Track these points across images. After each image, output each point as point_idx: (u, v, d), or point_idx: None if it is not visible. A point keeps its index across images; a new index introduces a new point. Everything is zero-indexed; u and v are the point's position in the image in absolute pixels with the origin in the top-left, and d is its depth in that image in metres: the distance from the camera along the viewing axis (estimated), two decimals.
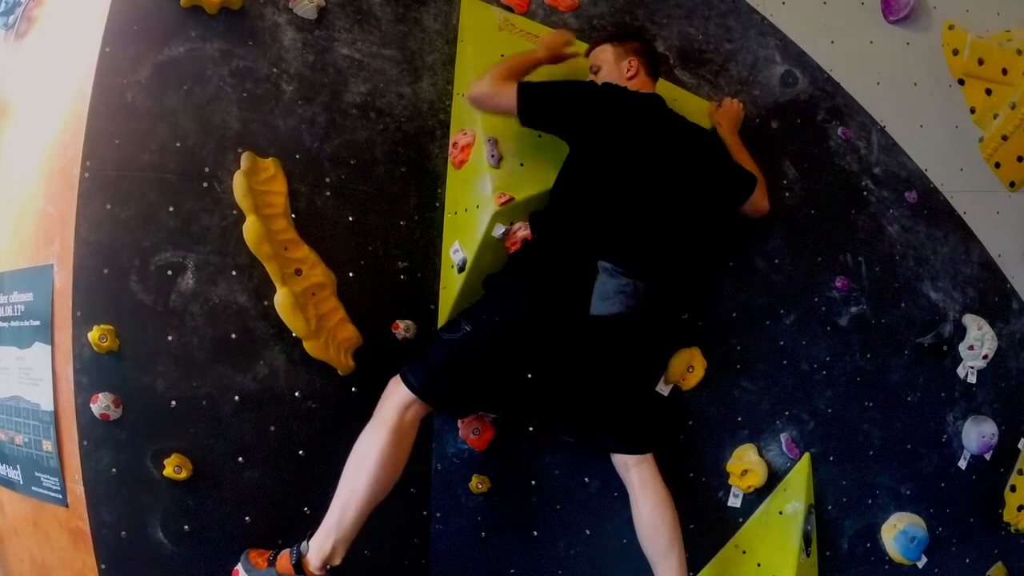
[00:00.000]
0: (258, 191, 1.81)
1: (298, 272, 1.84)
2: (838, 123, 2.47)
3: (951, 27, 2.70)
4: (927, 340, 2.54)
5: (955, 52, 2.70)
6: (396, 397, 1.79)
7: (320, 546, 1.71)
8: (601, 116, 1.91)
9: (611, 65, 2.05)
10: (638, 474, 1.99)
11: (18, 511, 2.04)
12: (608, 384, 2.00)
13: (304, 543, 1.73)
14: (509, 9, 2.15)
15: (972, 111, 2.72)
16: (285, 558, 1.72)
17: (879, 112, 2.55)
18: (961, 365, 2.57)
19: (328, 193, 1.95)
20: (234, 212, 1.83)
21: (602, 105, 1.93)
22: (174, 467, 1.77)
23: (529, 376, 2.01)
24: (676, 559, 1.94)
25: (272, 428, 1.89)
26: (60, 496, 1.83)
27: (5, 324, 1.98)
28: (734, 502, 2.27)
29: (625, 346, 1.96)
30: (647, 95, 2.01)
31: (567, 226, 1.90)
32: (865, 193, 2.48)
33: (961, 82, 2.71)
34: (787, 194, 2.34)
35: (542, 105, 1.91)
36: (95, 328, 1.73)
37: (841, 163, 2.45)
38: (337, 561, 1.72)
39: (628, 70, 2.03)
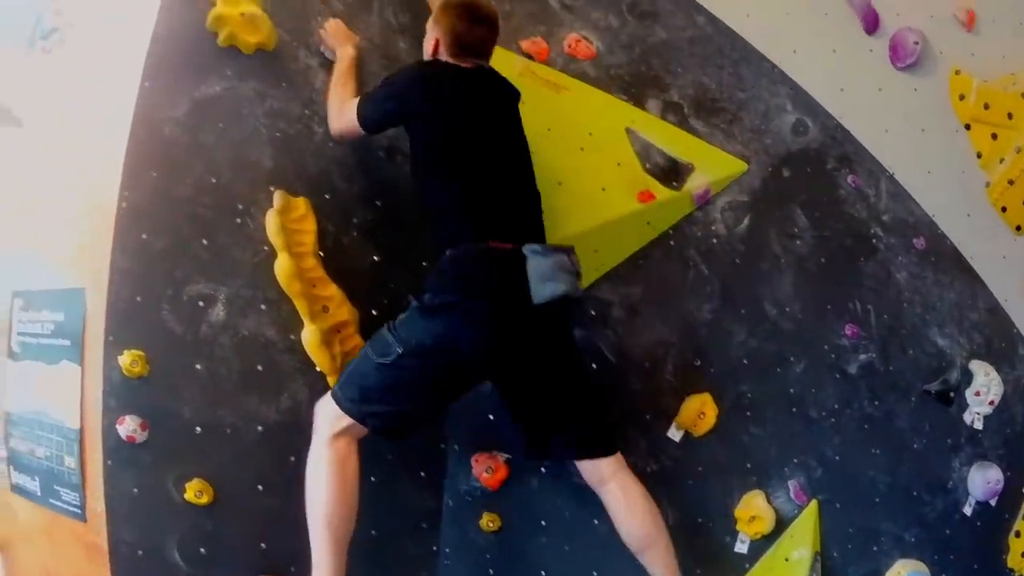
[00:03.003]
0: (289, 229, 2.01)
1: (325, 309, 2.04)
2: (847, 171, 2.70)
3: (957, 72, 2.91)
4: (934, 387, 2.75)
5: (961, 97, 2.91)
6: (332, 423, 1.87)
7: None
8: (432, 114, 1.98)
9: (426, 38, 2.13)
10: (619, 483, 2.04)
11: (32, 520, 2.21)
12: (562, 379, 2.03)
13: None
14: (529, 57, 2.37)
15: (979, 156, 2.93)
16: None
17: (887, 159, 2.77)
18: (967, 411, 2.78)
19: (355, 233, 2.15)
20: (265, 248, 2.02)
21: (428, 102, 1.98)
22: (195, 492, 1.92)
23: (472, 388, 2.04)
24: (667, 549, 2.05)
25: (292, 458, 2.03)
26: (79, 511, 1.98)
27: (33, 340, 2.17)
28: (741, 548, 2.44)
29: (570, 330, 2.04)
30: (464, 69, 2.04)
31: (464, 231, 1.93)
32: (874, 240, 2.70)
33: (967, 127, 2.91)
34: (798, 242, 2.57)
35: (372, 112, 2.01)
36: (126, 353, 1.89)
37: (850, 211, 2.68)
38: None
39: (430, 45, 2.09)
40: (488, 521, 2.24)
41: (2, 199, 2.41)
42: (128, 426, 1.89)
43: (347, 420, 1.87)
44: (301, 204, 2.06)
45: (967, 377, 2.79)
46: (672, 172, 2.43)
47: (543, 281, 1.86)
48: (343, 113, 2.07)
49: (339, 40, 2.17)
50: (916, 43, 2.84)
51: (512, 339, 1.92)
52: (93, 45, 2.25)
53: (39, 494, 2.14)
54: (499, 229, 1.93)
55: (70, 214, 2.12)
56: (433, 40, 2.08)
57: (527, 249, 1.88)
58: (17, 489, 2.26)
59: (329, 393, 1.93)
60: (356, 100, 2.04)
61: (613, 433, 2.12)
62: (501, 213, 1.96)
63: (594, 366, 2.29)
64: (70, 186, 2.15)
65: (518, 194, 2.04)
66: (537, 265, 1.86)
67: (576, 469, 2.11)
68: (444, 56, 2.07)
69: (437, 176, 2.00)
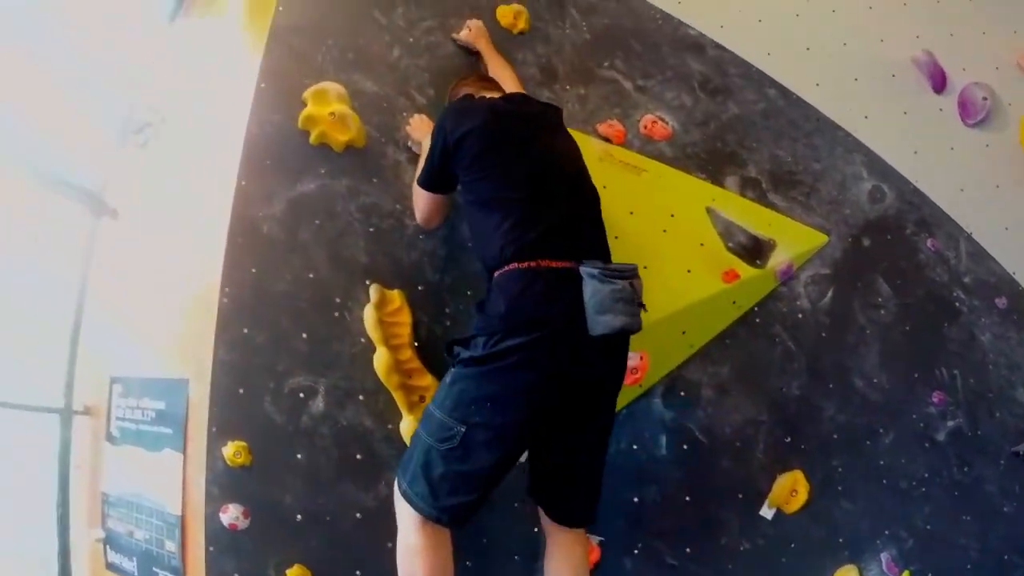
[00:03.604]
0: (386, 323, 2.10)
1: (421, 399, 2.10)
2: (926, 234, 2.73)
3: None
4: (1022, 448, 2.73)
5: None
6: (411, 517, 1.77)
7: None
8: (472, 133, 1.92)
9: None
10: (575, 541, 1.92)
11: None
12: (595, 433, 1.89)
13: None
14: (607, 140, 2.45)
15: None
16: None
17: (965, 218, 2.81)
18: None
19: (448, 323, 2.22)
20: (362, 340, 2.11)
21: (466, 124, 1.93)
22: None
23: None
24: None
25: (389, 544, 2.05)
26: None
27: (133, 426, 2.26)
28: None
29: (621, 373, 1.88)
30: (506, 96, 2.10)
31: (511, 251, 1.80)
32: (956, 304, 2.72)
33: None
34: (882, 312, 2.60)
35: (427, 168, 2.02)
36: (230, 444, 1.97)
37: (931, 275, 2.71)
38: None
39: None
40: None
41: (98, 286, 2.53)
42: (231, 514, 1.96)
43: (428, 524, 1.76)
44: (396, 297, 2.15)
45: None
46: (755, 250, 2.48)
47: (599, 312, 1.72)
48: (417, 194, 2.13)
49: (423, 133, 2.26)
50: (985, 98, 2.89)
51: (571, 374, 1.77)
52: (187, 141, 2.39)
53: (136, 575, 2.23)
54: (551, 244, 1.81)
55: (171, 306, 2.24)
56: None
57: (584, 270, 1.76)
58: (113, 568, 2.34)
59: (399, 493, 1.81)
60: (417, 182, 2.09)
61: (597, 505, 1.96)
62: (553, 226, 1.83)
63: (684, 447, 2.33)
64: (170, 278, 2.27)
65: (572, 205, 1.93)
66: (594, 292, 1.73)
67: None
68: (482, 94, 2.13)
69: (481, 197, 1.94)
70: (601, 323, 1.71)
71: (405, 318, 2.14)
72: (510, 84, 2.31)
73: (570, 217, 1.88)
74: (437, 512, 1.74)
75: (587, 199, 2.00)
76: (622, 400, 2.28)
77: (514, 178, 1.89)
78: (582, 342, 1.73)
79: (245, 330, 2.05)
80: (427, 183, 2.06)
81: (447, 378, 1.82)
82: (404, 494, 1.78)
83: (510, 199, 1.86)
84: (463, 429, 1.72)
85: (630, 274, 1.80)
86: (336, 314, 2.12)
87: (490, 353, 1.73)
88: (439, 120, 2.04)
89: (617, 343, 1.82)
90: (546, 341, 1.72)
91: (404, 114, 2.31)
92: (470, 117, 1.96)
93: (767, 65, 2.71)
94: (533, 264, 1.78)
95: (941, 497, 2.61)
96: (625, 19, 2.64)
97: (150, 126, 2.53)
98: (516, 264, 1.80)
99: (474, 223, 1.98)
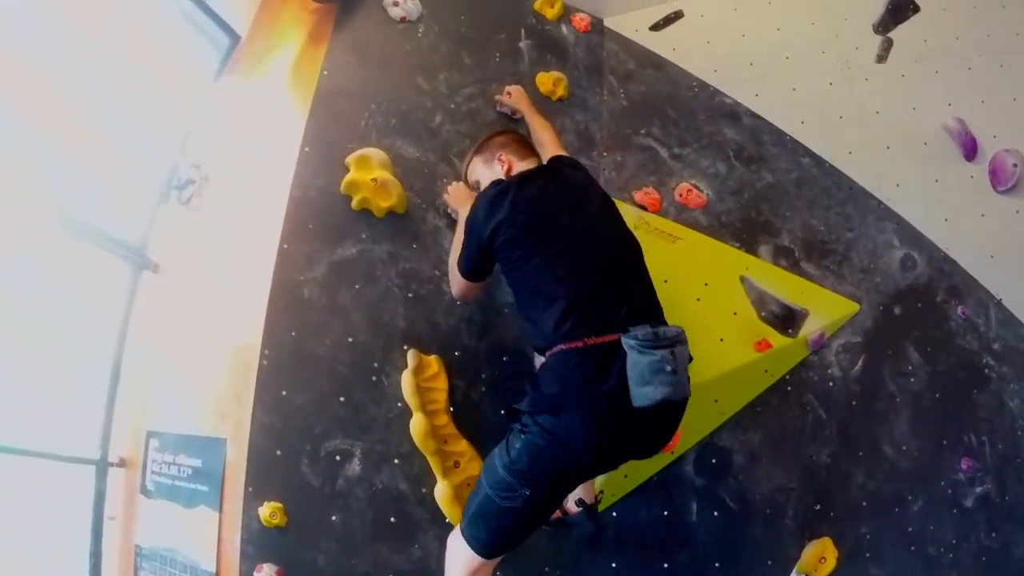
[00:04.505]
0: (423, 388, 2.16)
1: (456, 464, 2.17)
2: (957, 302, 2.79)
3: None
4: None
5: None
6: (467, 563, 1.88)
7: None
8: (504, 222, 1.96)
9: (487, 173, 2.22)
10: None
11: None
12: None
13: None
14: (643, 208, 2.53)
15: None
16: None
17: (995, 285, 2.86)
18: None
19: (483, 388, 2.29)
20: (399, 404, 2.17)
21: (497, 215, 1.98)
22: None
23: None
24: None
25: None
26: None
27: (168, 481, 2.32)
28: None
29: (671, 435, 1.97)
30: (530, 172, 2.12)
31: (558, 333, 1.85)
32: (986, 371, 2.77)
33: None
34: (912, 380, 2.64)
35: (466, 257, 2.08)
36: (266, 505, 2.03)
37: (961, 342, 2.76)
38: None
39: (502, 166, 2.18)
40: None
41: (137, 341, 2.60)
42: (265, 573, 2.02)
43: (479, 559, 1.89)
44: (433, 362, 2.22)
45: None
46: (787, 319, 2.54)
47: (641, 384, 1.77)
48: (454, 272, 2.18)
49: (460, 201, 2.33)
50: (1015, 165, 2.94)
51: (627, 442, 1.87)
52: (231, 201, 2.48)
53: None
54: (597, 319, 1.85)
55: (210, 364, 2.30)
56: (506, 159, 2.18)
57: (625, 342, 1.80)
58: None
59: (458, 530, 1.92)
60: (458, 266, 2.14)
61: None
62: (596, 297, 1.88)
63: (715, 513, 2.38)
64: (210, 337, 2.34)
65: (615, 268, 1.97)
66: (634, 364, 1.78)
67: None
68: (519, 164, 2.18)
69: (520, 280, 1.98)
70: (643, 395, 1.77)
71: (442, 384, 2.21)
72: (550, 147, 2.37)
73: (614, 282, 1.93)
74: (488, 552, 1.87)
75: (630, 256, 2.04)
76: (654, 466, 2.36)
77: (553, 256, 1.93)
78: (633, 414, 1.79)
79: (284, 392, 2.12)
80: (466, 271, 2.12)
81: (511, 438, 1.88)
82: (465, 536, 1.89)
83: (551, 279, 1.91)
84: (527, 492, 1.81)
85: (673, 340, 1.83)
86: (374, 378, 2.19)
87: (550, 427, 1.81)
88: (472, 211, 2.09)
89: (668, 411, 1.86)
90: (601, 418, 1.80)
91: (444, 180, 2.40)
92: (500, 208, 2.00)
93: (801, 133, 2.80)
94: (579, 344, 1.83)
95: (969, 563, 2.64)
96: (662, 87, 2.74)
97: (193, 183, 2.61)
98: (563, 345, 1.85)
99: (520, 304, 2.03)
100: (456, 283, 2.20)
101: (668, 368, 1.78)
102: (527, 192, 2.02)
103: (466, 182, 2.32)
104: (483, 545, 1.86)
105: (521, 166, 2.19)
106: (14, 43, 2.20)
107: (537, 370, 1.98)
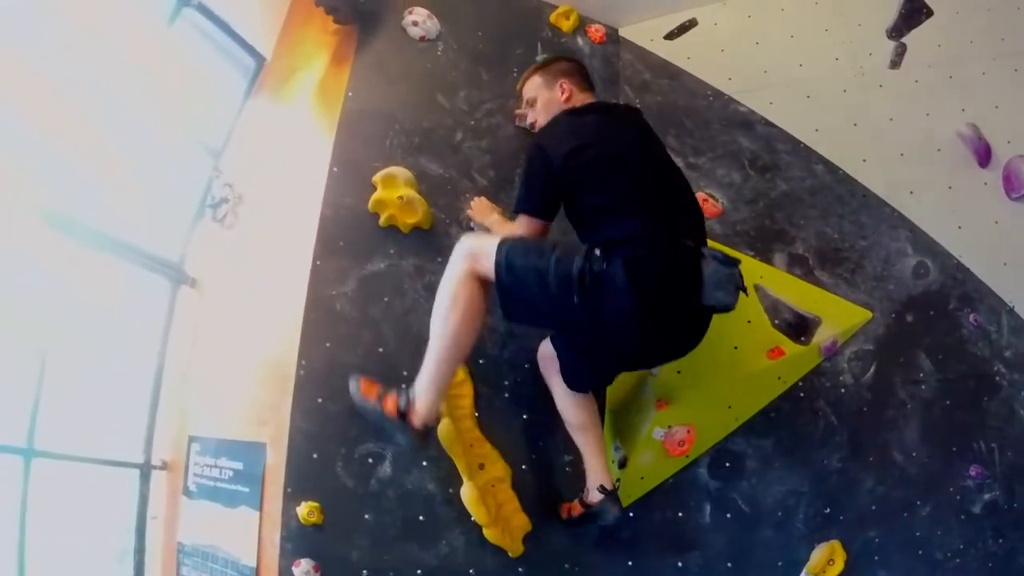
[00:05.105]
0: (450, 395, 2.30)
1: (481, 467, 2.30)
2: (969, 309, 2.84)
3: None
4: None
5: None
6: (476, 261, 2.06)
7: (423, 400, 2.07)
8: (575, 151, 2.08)
9: (545, 94, 2.37)
10: None
11: None
12: None
13: (411, 389, 2.10)
14: None
15: None
16: (392, 401, 2.10)
17: (1007, 292, 2.90)
18: None
19: (506, 395, 2.42)
20: None
21: (568, 143, 2.10)
22: None
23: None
24: None
25: None
26: None
27: (210, 483, 2.48)
28: None
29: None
30: (587, 106, 2.27)
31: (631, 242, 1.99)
32: (997, 378, 2.82)
33: None
34: (923, 387, 2.72)
35: (535, 203, 2.16)
36: (304, 504, 2.18)
37: (973, 350, 2.82)
38: (434, 422, 2.11)
39: (562, 93, 2.34)
40: None
41: (178, 351, 2.75)
42: (303, 568, 2.17)
43: (489, 272, 2.04)
44: (460, 371, 2.34)
45: None
46: (800, 327, 2.63)
47: (716, 288, 1.99)
48: (515, 230, 2.21)
49: (484, 213, 2.47)
50: None
51: (667, 326, 2.08)
52: (265, 220, 2.62)
53: None
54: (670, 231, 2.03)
55: (249, 374, 2.46)
56: (567, 88, 2.32)
57: (709, 252, 2.02)
58: None
59: (499, 243, 2.06)
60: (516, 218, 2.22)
61: None
62: (669, 216, 2.06)
63: (728, 515, 2.49)
64: (248, 348, 2.49)
65: (678, 206, 2.14)
66: (715, 271, 1.99)
67: None
68: (577, 95, 2.32)
69: (588, 212, 2.10)
70: (716, 296, 2.00)
71: (467, 390, 2.35)
72: None
73: (680, 212, 2.13)
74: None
75: (689, 191, 2.23)
76: (669, 470, 2.49)
77: (624, 184, 2.07)
78: (692, 304, 2.01)
79: (320, 400, 2.26)
80: (535, 208, 2.17)
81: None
82: (500, 250, 2.04)
83: (619, 210, 2.05)
84: (556, 292, 1.97)
85: (738, 263, 2.06)
86: (403, 386, 2.28)
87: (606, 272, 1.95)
88: (534, 147, 2.19)
89: (704, 319, 2.12)
90: (663, 292, 1.99)
91: (467, 195, 2.53)
92: (566, 138, 2.12)
93: (815, 141, 2.88)
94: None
95: (975, 568, 2.70)
96: (677, 97, 2.84)
97: (227, 202, 2.75)
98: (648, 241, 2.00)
99: (585, 238, 2.11)
100: (520, 229, 2.18)
101: (739, 281, 2.04)
102: (593, 120, 2.16)
103: (519, 97, 2.43)
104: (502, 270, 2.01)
105: (581, 98, 2.33)
106: (50, 67, 2.32)
107: None
